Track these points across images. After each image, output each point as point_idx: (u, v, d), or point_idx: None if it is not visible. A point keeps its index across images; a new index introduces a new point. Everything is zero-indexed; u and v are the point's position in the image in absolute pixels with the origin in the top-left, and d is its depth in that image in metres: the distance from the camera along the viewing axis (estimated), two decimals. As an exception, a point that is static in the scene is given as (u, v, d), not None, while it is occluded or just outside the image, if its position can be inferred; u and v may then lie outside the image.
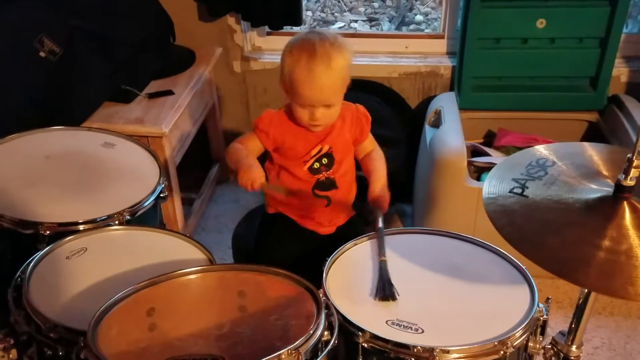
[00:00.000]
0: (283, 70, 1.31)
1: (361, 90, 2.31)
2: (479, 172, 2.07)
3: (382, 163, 1.45)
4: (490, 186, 1.01)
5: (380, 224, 1.29)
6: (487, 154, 2.13)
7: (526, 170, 1.02)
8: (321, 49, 1.25)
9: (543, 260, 0.88)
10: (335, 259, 1.25)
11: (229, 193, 2.46)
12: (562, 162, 1.04)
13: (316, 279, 1.11)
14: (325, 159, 1.39)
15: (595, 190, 0.99)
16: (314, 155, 1.39)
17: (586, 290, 1.08)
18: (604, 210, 0.95)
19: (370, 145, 1.49)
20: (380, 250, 1.23)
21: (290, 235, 1.45)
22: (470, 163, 2.01)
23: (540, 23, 2.07)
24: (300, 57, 1.26)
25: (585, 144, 1.08)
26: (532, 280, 1.16)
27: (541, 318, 1.10)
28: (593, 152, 1.06)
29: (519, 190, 0.98)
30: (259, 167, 1.30)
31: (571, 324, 1.12)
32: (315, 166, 1.39)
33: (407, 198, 2.31)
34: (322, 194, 1.42)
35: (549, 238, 0.91)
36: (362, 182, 1.48)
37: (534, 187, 0.99)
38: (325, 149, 1.38)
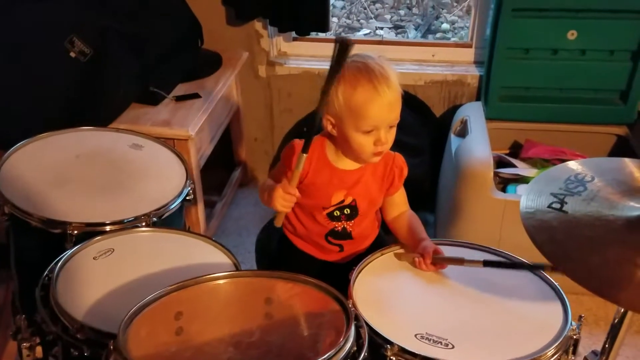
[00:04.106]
0: (334, 102, 1.19)
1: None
2: (504, 184, 2.05)
3: (422, 225, 1.32)
4: (528, 200, 0.99)
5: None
6: (513, 165, 2.10)
7: (565, 184, 1.00)
8: (376, 66, 1.18)
9: (584, 279, 0.86)
10: (362, 269, 1.23)
11: (250, 196, 2.46)
12: (601, 178, 1.02)
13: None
14: (348, 210, 1.29)
15: (637, 207, 0.97)
16: (335, 205, 1.29)
17: (622, 310, 1.05)
18: (646, 228, 0.92)
19: (402, 204, 1.35)
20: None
21: (300, 259, 1.38)
22: (495, 174, 1.99)
23: (571, 34, 2.04)
24: (358, 79, 1.16)
25: (626, 159, 1.06)
26: (565, 297, 1.14)
27: (574, 337, 1.08)
28: (634, 168, 1.04)
29: (558, 206, 0.95)
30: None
31: (605, 343, 1.10)
32: (335, 214, 1.30)
33: (430, 207, 2.29)
34: (336, 242, 1.34)
35: (589, 256, 0.89)
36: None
37: (573, 203, 0.96)
38: (348, 200, 1.29)
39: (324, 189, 1.28)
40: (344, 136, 1.22)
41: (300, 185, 1.27)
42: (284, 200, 1.19)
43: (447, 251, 1.28)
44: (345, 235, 1.33)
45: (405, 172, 1.32)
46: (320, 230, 1.33)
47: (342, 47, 1.07)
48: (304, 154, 1.15)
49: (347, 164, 1.28)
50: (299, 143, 1.23)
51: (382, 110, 1.17)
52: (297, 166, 1.17)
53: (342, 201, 1.29)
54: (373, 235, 1.39)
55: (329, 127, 1.23)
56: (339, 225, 1.31)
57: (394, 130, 1.22)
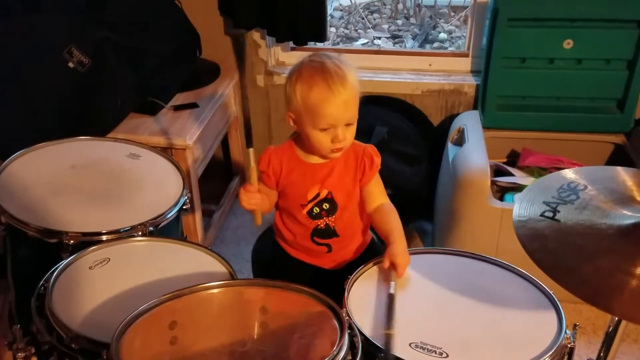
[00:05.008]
0: (293, 100, 1.24)
1: (384, 106, 2.31)
2: (502, 192, 2.05)
3: (399, 220, 1.30)
4: (521, 209, 0.99)
5: (392, 290, 1.14)
6: (511, 174, 2.10)
7: (557, 193, 1.00)
8: (332, 66, 1.22)
9: (576, 287, 0.86)
10: (357, 278, 1.23)
11: (248, 206, 2.46)
12: (594, 186, 1.02)
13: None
14: (327, 204, 1.31)
15: (629, 216, 0.97)
16: (312, 200, 1.31)
17: (616, 318, 1.05)
18: (638, 236, 0.93)
19: (379, 195, 1.34)
20: (389, 321, 1.07)
21: (293, 266, 1.39)
22: (493, 182, 1.99)
23: (567, 43, 2.05)
24: (313, 78, 1.20)
25: (618, 168, 1.06)
26: (560, 306, 1.13)
27: (569, 345, 1.08)
28: (626, 176, 1.04)
29: (551, 214, 0.96)
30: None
31: (600, 351, 1.09)
32: (315, 211, 1.31)
33: (428, 216, 2.29)
34: (322, 242, 1.34)
35: (581, 264, 0.89)
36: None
37: (565, 211, 0.96)
38: (324, 193, 1.30)
39: (299, 185, 1.32)
40: (303, 132, 1.27)
41: (278, 187, 1.34)
42: (246, 197, 1.27)
43: (444, 260, 1.28)
44: (330, 232, 1.34)
45: (377, 161, 1.33)
46: (304, 231, 1.34)
47: (237, 40, 1.14)
48: (249, 149, 1.25)
49: (317, 158, 1.32)
50: (267, 148, 1.34)
51: (338, 110, 1.21)
52: (249, 163, 1.25)
53: (318, 195, 1.31)
54: (359, 233, 1.39)
55: (291, 122, 1.29)
56: (321, 223, 1.33)
57: (352, 128, 1.26)
